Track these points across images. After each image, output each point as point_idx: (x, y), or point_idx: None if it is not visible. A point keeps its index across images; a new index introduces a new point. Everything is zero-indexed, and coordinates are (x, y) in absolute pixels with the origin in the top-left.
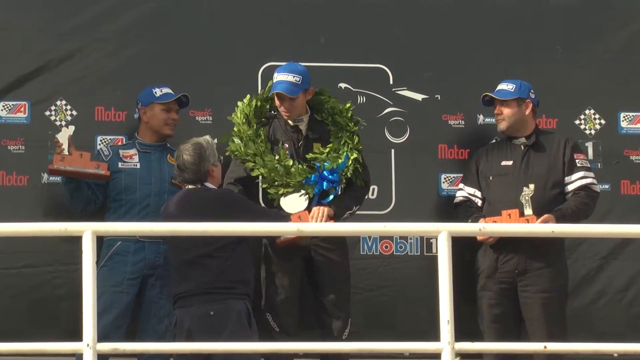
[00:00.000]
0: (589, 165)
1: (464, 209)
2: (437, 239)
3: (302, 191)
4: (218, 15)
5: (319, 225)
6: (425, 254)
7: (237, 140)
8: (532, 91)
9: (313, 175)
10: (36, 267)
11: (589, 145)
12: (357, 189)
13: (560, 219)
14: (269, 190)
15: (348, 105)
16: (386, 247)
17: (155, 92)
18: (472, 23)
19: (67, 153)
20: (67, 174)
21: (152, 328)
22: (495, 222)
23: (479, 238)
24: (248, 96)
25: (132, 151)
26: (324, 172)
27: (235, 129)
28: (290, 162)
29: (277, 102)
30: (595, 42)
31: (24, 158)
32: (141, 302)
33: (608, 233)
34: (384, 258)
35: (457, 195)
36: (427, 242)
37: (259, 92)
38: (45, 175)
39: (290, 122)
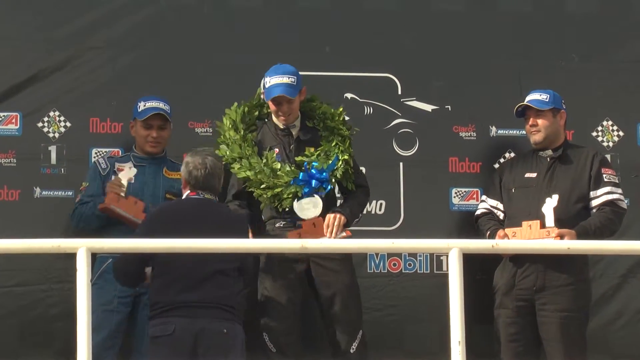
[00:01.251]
0: (617, 181)
1: (484, 221)
2: (447, 256)
3: (316, 195)
4: (217, 23)
5: (324, 242)
6: (435, 271)
7: (223, 146)
8: (563, 101)
9: (301, 174)
10: (28, 286)
11: (607, 158)
12: (359, 195)
13: (582, 235)
14: (255, 191)
15: (340, 110)
16: (394, 264)
17: (139, 107)
18: (484, 30)
19: (123, 196)
20: (115, 215)
21: (146, 348)
22: (515, 233)
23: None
24: (235, 103)
25: (128, 164)
26: (312, 171)
27: (221, 135)
28: (279, 166)
29: (273, 108)
30: (613, 51)
31: (15, 171)
32: (134, 321)
33: (627, 250)
34: (392, 276)
35: (478, 208)
36: (437, 260)
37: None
38: (38, 190)
39: (280, 125)
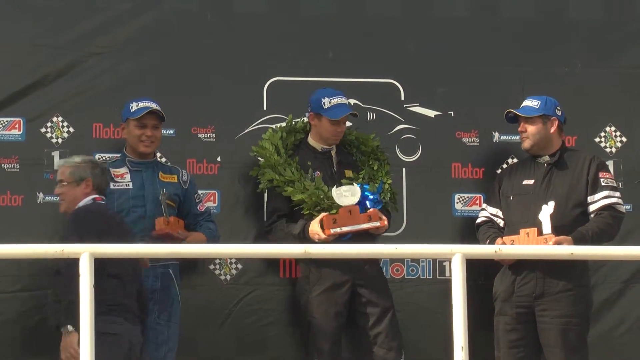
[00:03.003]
0: (615, 185)
1: (484, 229)
2: (450, 261)
3: (355, 184)
4: (221, 28)
5: (326, 247)
6: (438, 277)
7: (269, 170)
8: (558, 108)
9: None
10: (32, 291)
11: (610, 164)
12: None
13: (579, 240)
14: (308, 212)
15: (373, 135)
16: (397, 270)
17: (131, 107)
18: (487, 36)
19: (167, 217)
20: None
21: (150, 355)
22: (513, 241)
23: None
24: (270, 129)
25: (123, 169)
26: (366, 193)
27: (263, 161)
28: (326, 188)
29: (330, 129)
30: (616, 57)
31: (18, 177)
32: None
33: (630, 255)
34: (394, 282)
35: (479, 216)
36: (440, 265)
37: (287, 122)
38: (41, 195)
39: (318, 148)
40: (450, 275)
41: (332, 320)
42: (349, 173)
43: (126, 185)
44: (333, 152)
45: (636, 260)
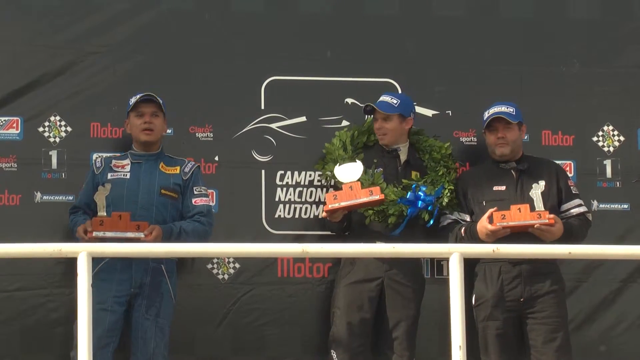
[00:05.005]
0: (579, 194)
1: (452, 227)
2: (448, 260)
3: (358, 161)
4: (219, 27)
5: (324, 246)
6: (435, 276)
7: (330, 164)
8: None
9: (409, 194)
10: (29, 290)
11: (607, 163)
12: None
13: (567, 231)
14: (365, 213)
15: (447, 144)
16: None
17: (130, 101)
18: (485, 36)
19: (105, 214)
20: (106, 240)
21: (140, 351)
22: (504, 215)
23: (490, 229)
24: (346, 128)
25: (126, 161)
26: (420, 193)
27: (330, 155)
28: (385, 185)
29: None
30: (614, 56)
31: (16, 176)
32: (129, 323)
33: (628, 255)
34: None
35: (443, 220)
36: (437, 265)
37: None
38: (39, 194)
39: (386, 148)
40: (448, 275)
41: (355, 312)
42: (416, 174)
43: (124, 175)
44: (403, 154)
45: (634, 259)
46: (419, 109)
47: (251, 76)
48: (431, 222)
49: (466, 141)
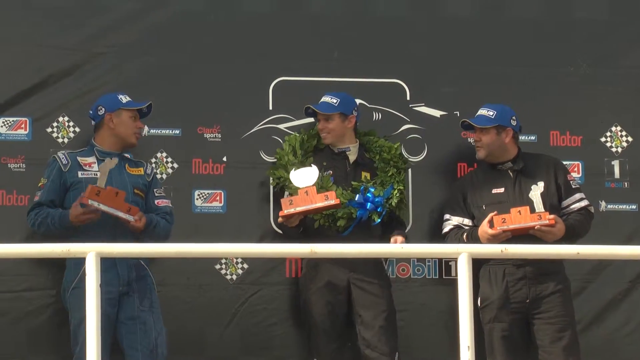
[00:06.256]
0: (579, 186)
1: (454, 232)
2: (456, 261)
3: (313, 165)
4: (226, 28)
5: (333, 247)
6: (444, 277)
7: (281, 169)
8: (513, 118)
9: (357, 196)
10: (37, 290)
11: (615, 164)
12: (402, 223)
13: (569, 230)
14: (314, 217)
15: (397, 144)
16: (403, 270)
17: (121, 99)
18: (492, 36)
19: (103, 187)
20: (98, 211)
21: (141, 344)
22: (504, 219)
23: (490, 233)
24: (296, 133)
25: (91, 159)
26: (368, 195)
27: (279, 160)
28: (334, 188)
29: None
30: (622, 56)
31: (24, 176)
32: (122, 321)
33: (636, 255)
34: (400, 281)
35: (444, 226)
36: (445, 265)
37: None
38: None
39: (335, 150)
40: (456, 275)
41: (327, 318)
42: (365, 175)
43: (94, 174)
44: (351, 154)
45: None
46: (426, 110)
47: (259, 77)
48: (378, 221)
49: (474, 142)
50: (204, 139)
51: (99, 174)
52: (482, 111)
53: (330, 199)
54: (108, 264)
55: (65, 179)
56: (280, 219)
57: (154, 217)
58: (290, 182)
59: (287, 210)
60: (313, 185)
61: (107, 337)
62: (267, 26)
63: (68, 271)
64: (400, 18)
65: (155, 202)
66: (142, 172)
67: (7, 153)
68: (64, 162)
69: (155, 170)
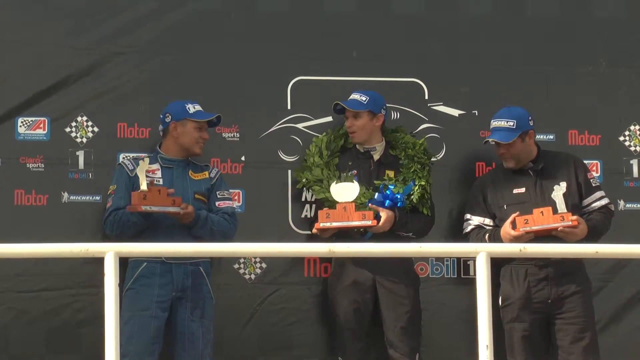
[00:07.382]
0: (599, 185)
1: (476, 232)
2: (475, 260)
3: (355, 182)
4: (245, 27)
5: (351, 246)
6: (462, 276)
7: (307, 171)
8: (530, 118)
9: (376, 195)
10: (56, 290)
11: (634, 163)
12: (422, 218)
13: (591, 229)
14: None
15: (422, 140)
16: (422, 269)
17: (189, 109)
18: (511, 35)
19: (145, 189)
20: (151, 213)
21: (188, 353)
22: (527, 220)
23: (513, 235)
24: (324, 132)
25: (155, 166)
26: (387, 192)
27: (306, 161)
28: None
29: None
30: None
31: (43, 176)
32: (173, 327)
33: None
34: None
35: (466, 226)
36: (464, 264)
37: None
38: (66, 194)
39: (360, 149)
40: (475, 274)
41: (352, 317)
42: (390, 173)
43: (157, 181)
44: (376, 153)
45: None
46: (445, 109)
47: (277, 76)
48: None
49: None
50: (222, 138)
51: (139, 179)
52: (501, 123)
53: (367, 219)
54: (164, 269)
55: (132, 183)
56: (314, 230)
57: (205, 213)
58: (315, 185)
59: (322, 223)
60: (352, 202)
61: (158, 339)
62: (286, 26)
63: (127, 272)
64: (418, 17)
65: (217, 203)
66: (207, 176)
67: (25, 153)
68: (130, 168)
69: (219, 172)
